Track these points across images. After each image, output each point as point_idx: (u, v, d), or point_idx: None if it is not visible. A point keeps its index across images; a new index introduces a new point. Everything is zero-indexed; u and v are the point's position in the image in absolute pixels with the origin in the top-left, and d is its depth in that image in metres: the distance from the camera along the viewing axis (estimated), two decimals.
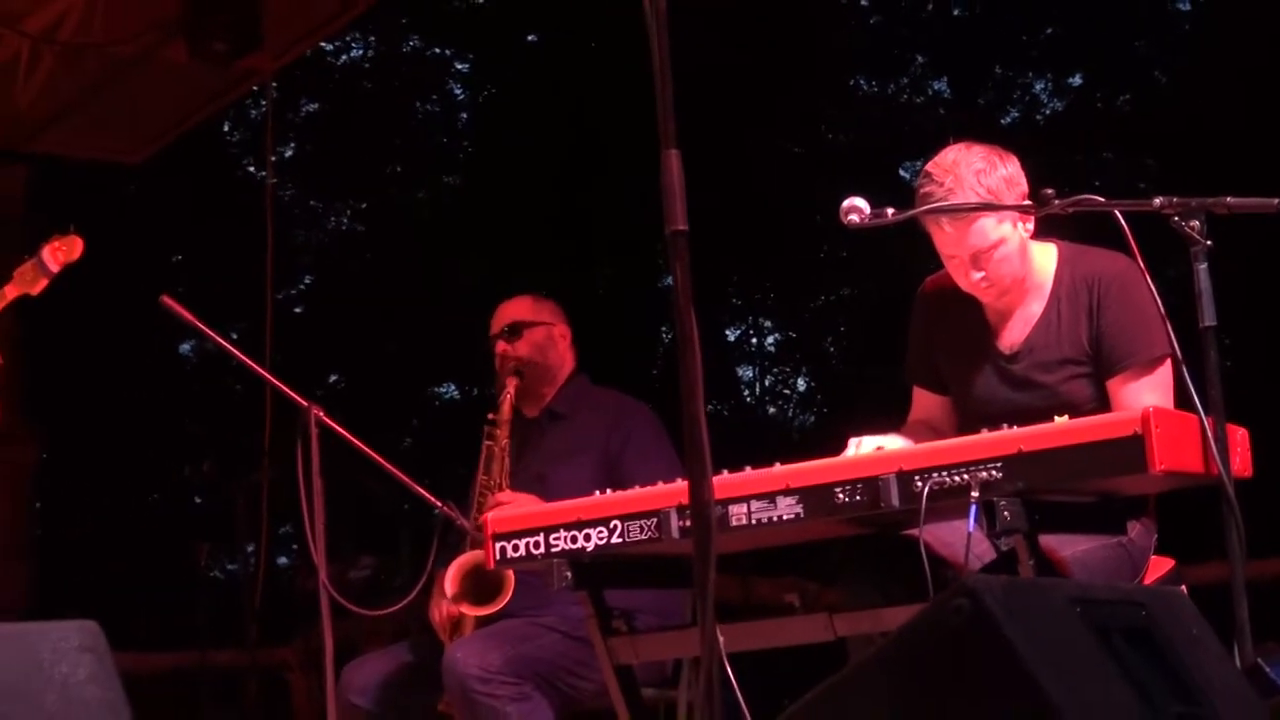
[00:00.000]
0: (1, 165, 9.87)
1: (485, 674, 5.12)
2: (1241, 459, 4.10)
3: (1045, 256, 4.49)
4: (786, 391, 19.29)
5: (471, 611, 5.42)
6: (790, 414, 19.06)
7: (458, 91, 18.29)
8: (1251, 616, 3.96)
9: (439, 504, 5.39)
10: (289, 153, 17.48)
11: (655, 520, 4.26)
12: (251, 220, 10.53)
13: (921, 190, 4.38)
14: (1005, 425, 3.95)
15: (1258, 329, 13.15)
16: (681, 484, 4.27)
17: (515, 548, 4.45)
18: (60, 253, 5.89)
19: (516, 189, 16.28)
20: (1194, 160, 13.64)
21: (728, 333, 18.67)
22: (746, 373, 19.01)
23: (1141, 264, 4.17)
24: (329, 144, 17.46)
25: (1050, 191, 4.26)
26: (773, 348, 19.20)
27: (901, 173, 16.74)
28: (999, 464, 3.90)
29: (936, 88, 17.80)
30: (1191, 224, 4.02)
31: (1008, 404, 4.41)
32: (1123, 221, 4.11)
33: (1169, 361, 4.27)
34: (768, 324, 19.10)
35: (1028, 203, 4.32)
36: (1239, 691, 2.84)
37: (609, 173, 15.60)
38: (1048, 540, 4.18)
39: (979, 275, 4.39)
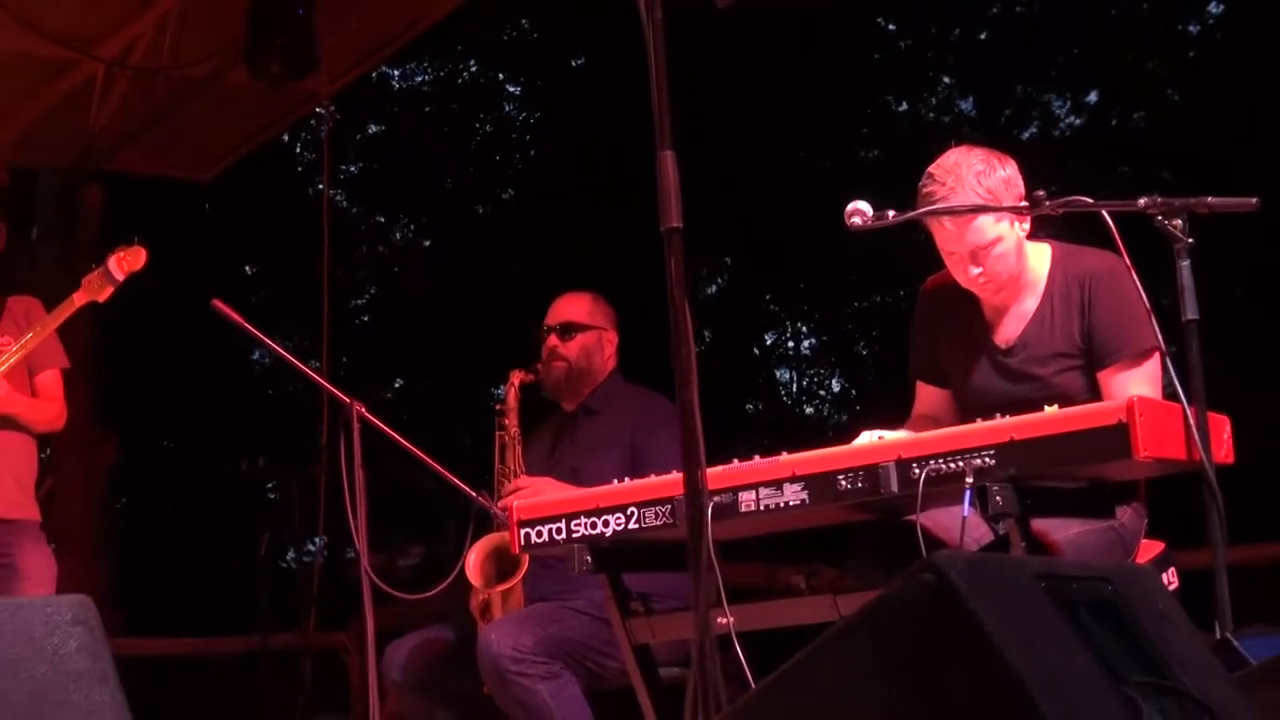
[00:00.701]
0: (79, 184, 9.88)
1: (518, 654, 5.09)
2: (1223, 446, 4.04)
3: (1040, 256, 4.45)
4: (822, 392, 19.25)
5: (494, 590, 5.40)
6: (825, 413, 19.00)
7: (510, 110, 18.24)
8: (1241, 598, 3.92)
9: (474, 494, 5.38)
10: (355, 169, 17.46)
11: (669, 507, 4.24)
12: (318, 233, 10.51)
13: (924, 190, 4.35)
14: (1000, 416, 3.90)
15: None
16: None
17: (539, 534, 4.43)
18: (125, 262, 5.91)
19: (565, 198, 16.25)
20: (1205, 172, 13.54)
21: (766, 337, 18.63)
22: (784, 375, 18.97)
23: (1128, 262, 4.12)
24: (392, 162, 17.43)
25: (1042, 193, 4.23)
26: (808, 351, 19.16)
27: None
28: (992, 452, 3.86)
29: (963, 107, 17.76)
30: (1174, 223, 3.98)
31: (1004, 396, 4.37)
32: (1110, 221, 4.07)
33: (1156, 354, 4.23)
34: (804, 329, 19.05)
35: (1023, 203, 4.27)
36: (1206, 665, 2.78)
37: (648, 181, 15.47)
38: (1041, 524, 4.14)
39: (977, 271, 4.36)
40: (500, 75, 18.01)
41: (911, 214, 4.30)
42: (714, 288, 17.52)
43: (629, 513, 4.29)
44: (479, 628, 5.38)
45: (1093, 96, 16.85)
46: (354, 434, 5.20)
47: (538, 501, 4.51)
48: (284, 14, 7.84)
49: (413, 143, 17.26)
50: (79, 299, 5.95)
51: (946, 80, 17.61)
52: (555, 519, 4.41)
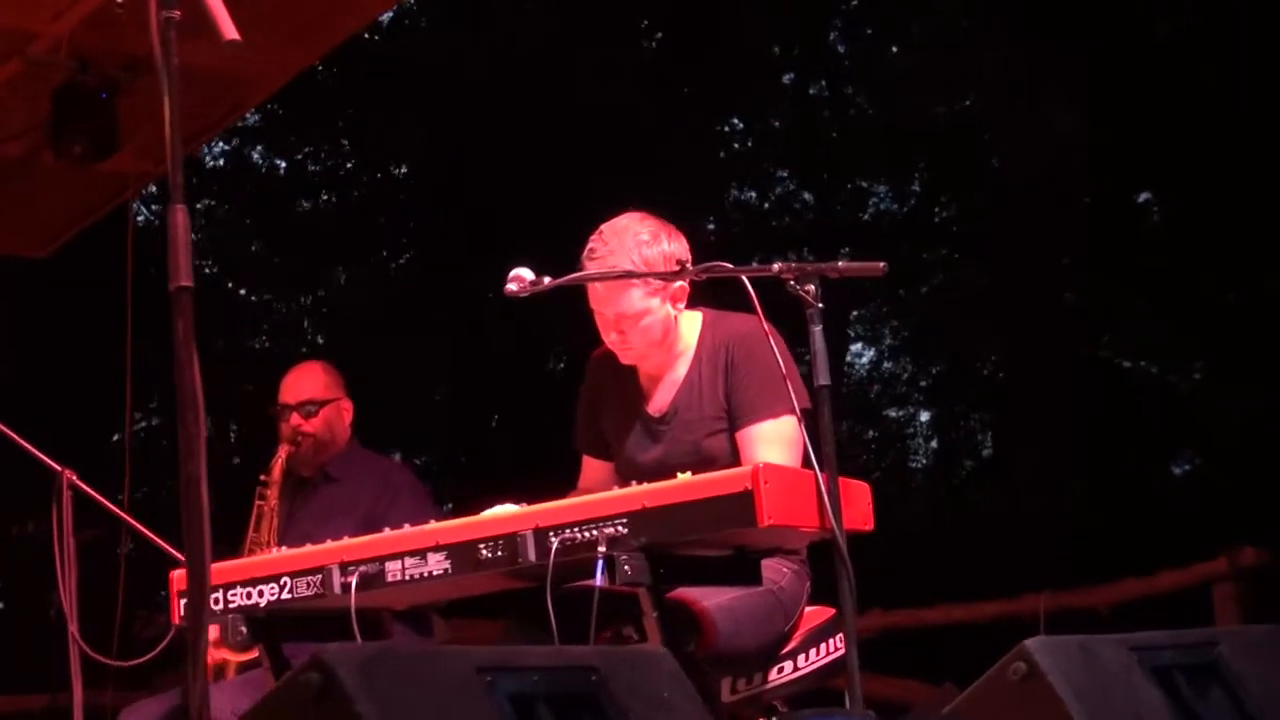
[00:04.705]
0: None
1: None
2: (860, 513, 3.84)
3: (691, 324, 4.28)
4: None
5: (233, 657, 5.13)
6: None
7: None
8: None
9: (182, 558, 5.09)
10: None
11: (320, 576, 3.99)
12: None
13: (588, 245, 4.18)
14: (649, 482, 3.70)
15: None
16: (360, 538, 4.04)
17: None
18: None
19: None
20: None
21: None
22: None
23: (768, 326, 3.91)
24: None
25: (685, 260, 4.05)
26: None
27: None
28: (625, 520, 3.66)
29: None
30: (807, 288, 3.77)
31: (656, 463, 4.17)
32: (749, 286, 3.87)
33: (789, 415, 4.00)
34: None
35: (665, 271, 4.07)
36: None
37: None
38: (692, 592, 3.94)
39: (617, 337, 4.18)
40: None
41: (567, 278, 4.09)
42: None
43: (282, 582, 4.04)
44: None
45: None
46: (64, 502, 4.95)
47: None
48: (88, 97, 7.58)
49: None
50: None
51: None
52: (212, 589, 4.12)
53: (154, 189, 16.09)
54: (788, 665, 4.22)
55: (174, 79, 2.89)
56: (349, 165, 17.25)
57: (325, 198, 17.22)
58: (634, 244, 4.11)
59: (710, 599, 3.97)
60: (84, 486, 5.06)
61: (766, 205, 17.46)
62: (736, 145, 17.36)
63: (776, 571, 4.13)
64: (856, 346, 17.78)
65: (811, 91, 17.13)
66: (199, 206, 16.44)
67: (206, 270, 16.33)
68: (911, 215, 16.76)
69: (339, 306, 17.02)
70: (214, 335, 16.36)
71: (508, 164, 14.41)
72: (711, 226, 16.51)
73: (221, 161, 16.85)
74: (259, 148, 16.97)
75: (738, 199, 17.25)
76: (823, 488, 3.67)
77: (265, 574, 4.06)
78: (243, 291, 17.12)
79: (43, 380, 13.42)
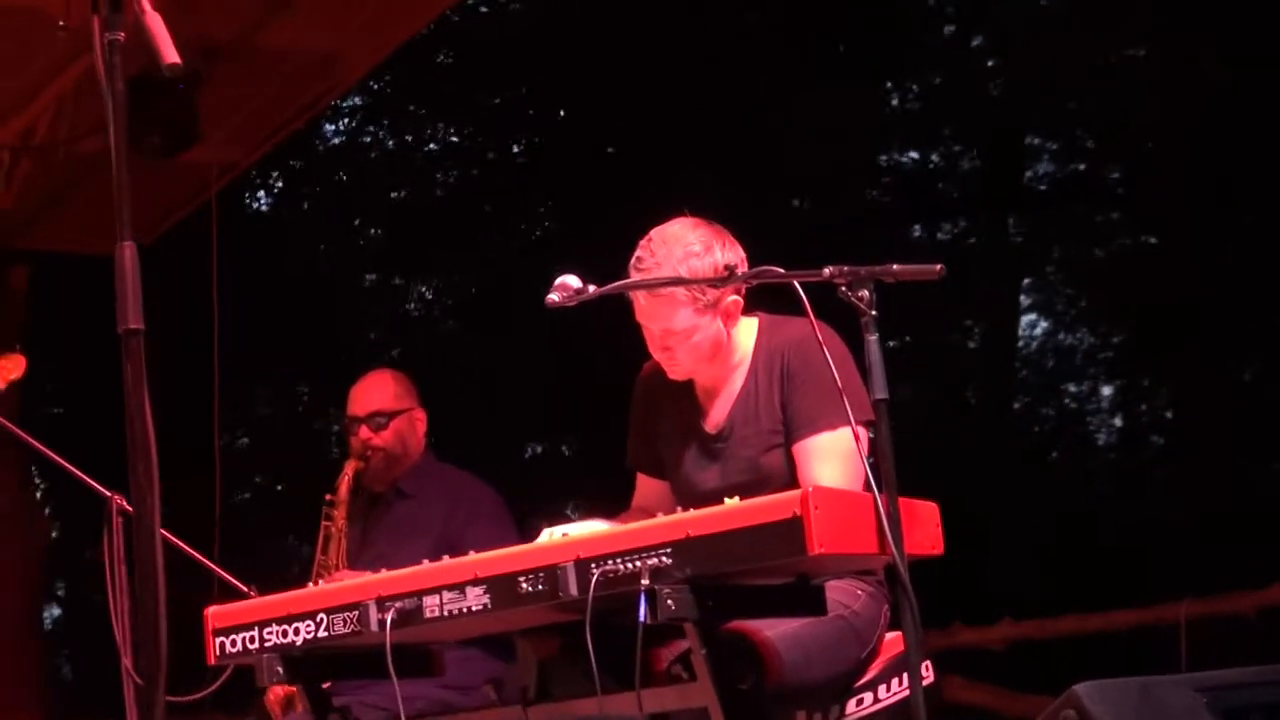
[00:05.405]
0: (3, 264, 9.61)
1: None
2: (928, 536, 3.60)
3: (747, 332, 4.07)
4: None
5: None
6: None
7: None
8: None
9: (244, 588, 4.98)
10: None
11: (356, 613, 3.83)
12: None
13: (636, 253, 3.99)
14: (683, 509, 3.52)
15: None
16: (397, 572, 3.88)
17: (233, 643, 4.02)
18: (5, 370, 5.58)
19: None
20: None
21: None
22: None
23: (821, 329, 3.68)
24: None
25: (733, 264, 3.83)
26: None
27: None
28: (669, 550, 3.46)
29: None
30: (860, 294, 3.54)
31: (716, 483, 3.96)
32: (801, 291, 3.64)
33: (845, 428, 3.76)
34: None
35: (713, 278, 3.86)
36: None
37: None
38: (751, 622, 3.72)
39: (665, 354, 3.99)
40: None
41: (611, 287, 3.89)
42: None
43: (318, 620, 3.89)
44: None
45: None
46: (115, 527, 4.83)
47: (231, 608, 4.10)
48: (162, 88, 7.52)
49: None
50: None
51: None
52: (248, 627, 4.00)
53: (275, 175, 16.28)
54: (867, 697, 3.99)
55: (120, 102, 2.79)
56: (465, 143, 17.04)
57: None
58: (683, 254, 3.90)
59: (773, 628, 3.75)
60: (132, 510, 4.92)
61: (930, 166, 17.06)
62: (894, 103, 16.94)
63: (848, 594, 3.91)
64: (1030, 317, 17.30)
65: (974, 44, 16.65)
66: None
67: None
68: (1080, 176, 16.25)
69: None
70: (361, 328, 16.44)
71: (647, 120, 14.13)
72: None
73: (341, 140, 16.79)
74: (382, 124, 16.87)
75: (894, 161, 16.84)
76: (881, 510, 3.44)
77: (301, 610, 3.92)
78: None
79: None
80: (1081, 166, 16.61)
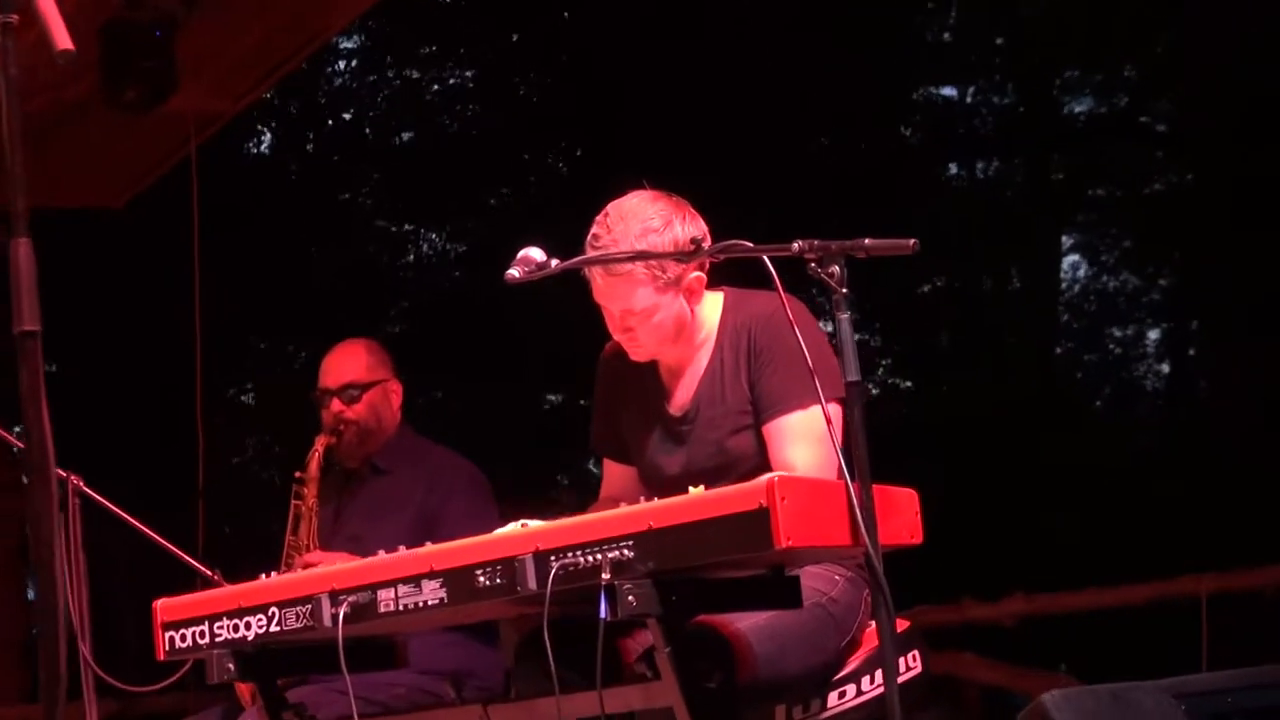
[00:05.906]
0: None
1: None
2: (905, 524, 3.44)
3: (712, 308, 3.89)
4: None
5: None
6: None
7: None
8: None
9: (207, 570, 4.85)
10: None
11: (309, 607, 3.69)
12: None
13: (592, 229, 3.80)
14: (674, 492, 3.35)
15: None
16: (351, 563, 3.79)
17: (183, 637, 3.89)
18: None
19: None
20: None
21: None
22: None
23: (790, 302, 3.52)
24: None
25: (698, 238, 3.66)
26: None
27: None
28: (630, 542, 3.29)
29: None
30: (831, 270, 3.36)
31: (681, 468, 3.81)
32: (770, 265, 3.47)
33: (817, 407, 3.60)
34: None
35: (677, 252, 3.68)
36: None
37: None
38: (721, 615, 3.57)
39: (625, 335, 3.83)
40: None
41: (572, 262, 3.72)
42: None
43: (270, 614, 3.75)
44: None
45: None
46: (70, 509, 4.68)
47: (180, 601, 3.96)
48: (139, 34, 7.29)
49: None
50: None
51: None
52: (198, 620, 3.86)
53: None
54: (849, 690, 3.83)
55: (13, 88, 2.63)
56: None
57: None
58: (641, 230, 3.72)
59: (745, 620, 3.59)
60: (90, 492, 4.76)
61: (968, 100, 16.80)
62: (929, 37, 16.68)
63: (826, 581, 3.75)
64: (1072, 258, 17.05)
65: None
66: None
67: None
68: (1122, 114, 15.96)
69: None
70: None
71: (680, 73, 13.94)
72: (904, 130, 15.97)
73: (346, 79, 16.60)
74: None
75: (931, 95, 16.58)
76: (854, 499, 3.27)
77: (252, 604, 3.78)
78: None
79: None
80: (1124, 101, 16.35)
